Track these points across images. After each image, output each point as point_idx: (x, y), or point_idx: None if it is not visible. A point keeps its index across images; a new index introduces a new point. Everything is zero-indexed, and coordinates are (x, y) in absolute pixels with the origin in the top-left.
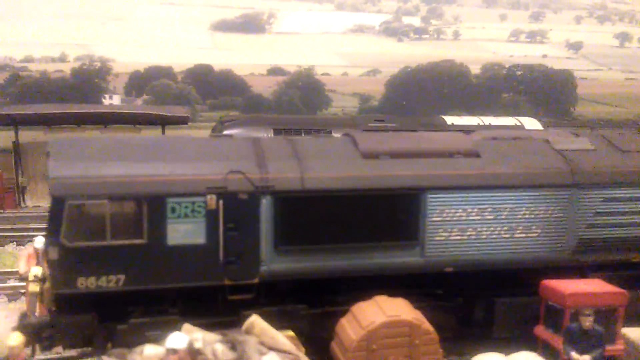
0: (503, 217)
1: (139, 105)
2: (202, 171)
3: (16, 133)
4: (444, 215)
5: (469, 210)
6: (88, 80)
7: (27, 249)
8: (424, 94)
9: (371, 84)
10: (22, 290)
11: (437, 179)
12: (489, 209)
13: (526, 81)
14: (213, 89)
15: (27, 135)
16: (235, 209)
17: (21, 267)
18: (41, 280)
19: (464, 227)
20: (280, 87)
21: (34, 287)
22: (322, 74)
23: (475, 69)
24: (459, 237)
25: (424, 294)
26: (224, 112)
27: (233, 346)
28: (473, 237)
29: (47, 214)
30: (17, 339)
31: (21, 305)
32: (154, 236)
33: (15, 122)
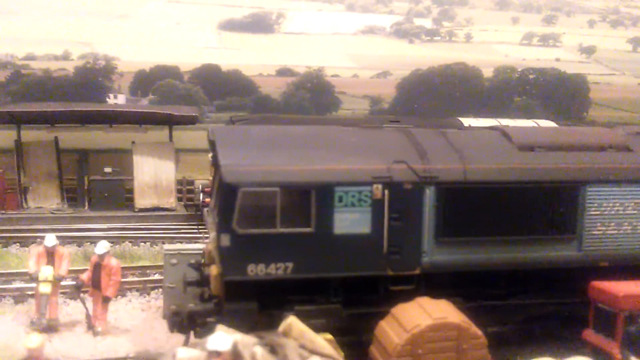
0: None
1: (145, 104)
2: (367, 161)
3: (18, 132)
4: (602, 209)
5: (626, 204)
6: (92, 79)
7: (37, 248)
8: (436, 96)
9: (382, 86)
10: (30, 292)
11: (597, 172)
12: None
13: (539, 85)
14: (220, 90)
15: (29, 135)
16: (399, 199)
17: (31, 267)
18: (51, 281)
19: (620, 221)
20: (289, 88)
21: (45, 288)
22: (332, 76)
23: (487, 72)
24: (615, 232)
25: (573, 290)
26: (232, 113)
27: (272, 349)
28: (629, 231)
29: (218, 202)
30: (36, 340)
31: (29, 307)
32: (321, 225)
33: (17, 120)
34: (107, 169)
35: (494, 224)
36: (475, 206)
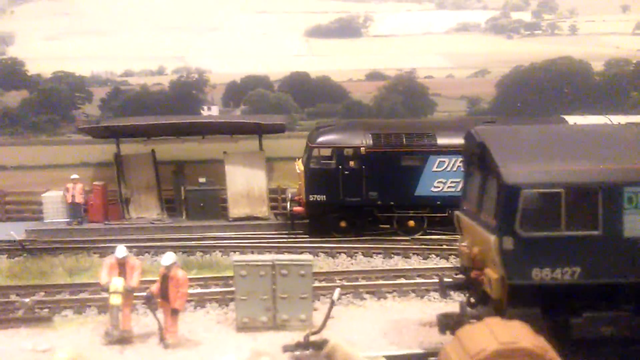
0: None
1: (237, 115)
2: None
3: (117, 145)
4: None
5: None
6: (186, 92)
7: (109, 259)
8: (540, 94)
9: (480, 86)
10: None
11: None
12: None
13: None
14: (310, 97)
15: (128, 148)
16: None
17: (102, 278)
18: (122, 292)
19: None
20: (381, 92)
21: (116, 300)
22: (425, 77)
23: (597, 66)
24: None
25: None
26: (324, 120)
27: None
28: None
29: (494, 204)
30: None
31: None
32: (610, 227)
33: (116, 134)
34: (202, 179)
35: None
36: None
